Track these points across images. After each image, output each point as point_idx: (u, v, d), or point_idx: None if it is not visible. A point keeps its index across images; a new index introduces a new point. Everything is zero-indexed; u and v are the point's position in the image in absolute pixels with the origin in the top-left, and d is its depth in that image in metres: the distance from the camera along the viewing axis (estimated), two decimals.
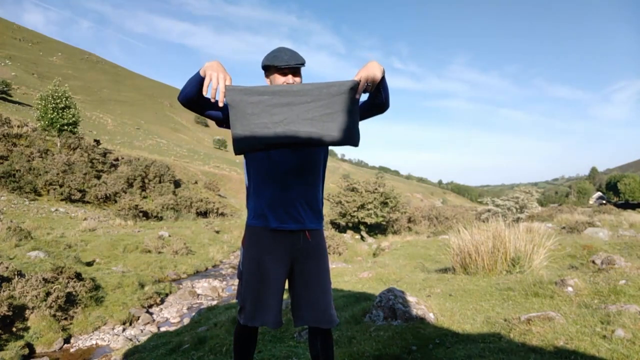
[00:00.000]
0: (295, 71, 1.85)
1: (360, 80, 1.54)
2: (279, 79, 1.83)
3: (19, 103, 37.72)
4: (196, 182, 30.78)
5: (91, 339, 6.37)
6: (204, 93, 1.57)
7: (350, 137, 1.57)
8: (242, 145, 1.60)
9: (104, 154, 23.63)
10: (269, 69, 1.87)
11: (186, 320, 7.06)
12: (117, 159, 25.19)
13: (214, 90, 1.54)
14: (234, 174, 41.88)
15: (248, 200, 1.96)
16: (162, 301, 8.62)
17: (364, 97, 1.69)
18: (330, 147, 1.80)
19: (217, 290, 9.83)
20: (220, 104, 1.58)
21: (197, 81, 1.62)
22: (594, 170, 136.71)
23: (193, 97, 1.66)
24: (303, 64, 1.82)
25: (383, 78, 1.61)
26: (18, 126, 21.89)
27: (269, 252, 1.85)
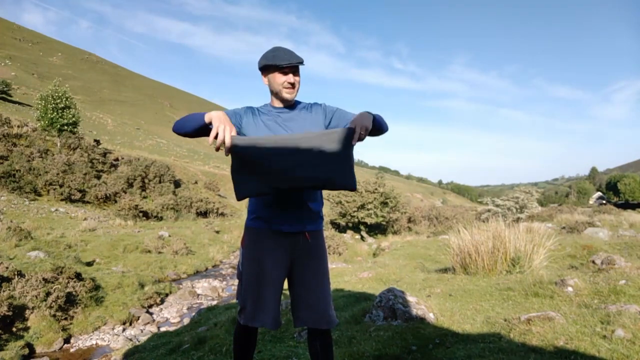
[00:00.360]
0: (296, 70, 1.85)
1: (355, 128, 1.62)
2: (279, 78, 1.83)
3: (19, 103, 37.73)
4: (196, 182, 30.78)
5: (91, 339, 6.37)
6: (209, 144, 1.63)
7: (349, 181, 1.67)
8: (244, 191, 1.68)
9: (104, 154, 23.63)
10: (268, 68, 1.86)
11: (186, 320, 7.06)
12: (117, 159, 25.19)
13: (220, 142, 1.60)
14: None
15: (249, 202, 1.98)
16: (162, 301, 8.62)
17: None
18: None
19: (217, 290, 9.83)
20: (226, 155, 1.64)
21: (200, 124, 1.71)
22: (594, 170, 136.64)
23: (189, 133, 1.75)
24: (302, 63, 1.82)
25: (374, 120, 1.72)
26: (18, 126, 21.89)
27: (269, 253, 1.86)
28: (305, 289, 1.89)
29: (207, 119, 1.69)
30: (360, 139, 1.64)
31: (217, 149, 1.63)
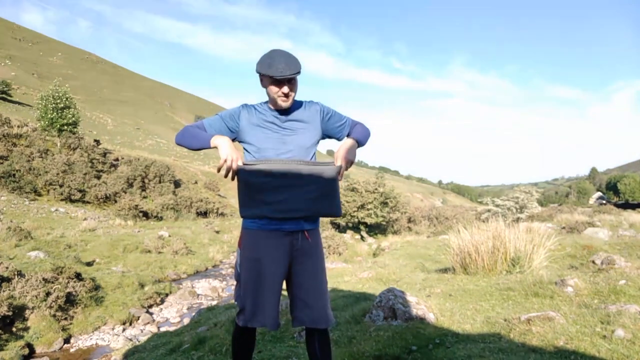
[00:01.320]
0: (291, 79, 1.82)
1: (342, 165, 1.84)
2: (273, 89, 1.82)
3: (19, 103, 37.74)
4: (196, 182, 30.79)
5: (91, 339, 6.38)
6: (216, 172, 1.84)
7: (334, 210, 1.91)
8: (247, 213, 1.87)
9: (104, 154, 23.64)
10: (264, 76, 1.84)
11: (186, 320, 7.07)
12: (117, 159, 25.21)
13: (228, 170, 1.76)
14: None
15: None
16: (162, 301, 8.62)
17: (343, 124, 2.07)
18: (327, 148, 1.88)
19: (217, 290, 9.83)
20: (232, 179, 1.82)
21: (205, 146, 1.83)
22: (594, 170, 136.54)
23: (192, 150, 1.88)
24: (299, 72, 1.80)
25: (358, 142, 1.94)
26: (18, 126, 21.89)
27: (268, 253, 1.85)
28: (303, 288, 1.89)
29: (212, 145, 1.80)
30: (347, 168, 1.88)
31: (224, 177, 1.81)
